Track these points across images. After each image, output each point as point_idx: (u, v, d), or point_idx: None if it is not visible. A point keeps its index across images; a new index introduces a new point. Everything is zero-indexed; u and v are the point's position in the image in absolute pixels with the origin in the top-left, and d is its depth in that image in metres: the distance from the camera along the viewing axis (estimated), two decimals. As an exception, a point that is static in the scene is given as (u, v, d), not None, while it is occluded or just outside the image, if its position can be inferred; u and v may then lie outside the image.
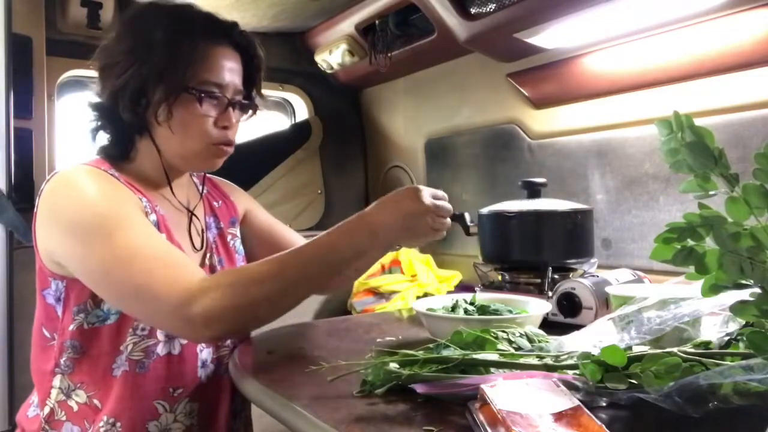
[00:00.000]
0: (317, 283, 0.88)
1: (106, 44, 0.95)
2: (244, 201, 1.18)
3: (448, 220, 0.94)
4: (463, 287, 1.80)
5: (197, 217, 1.05)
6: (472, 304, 1.00)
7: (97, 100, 0.96)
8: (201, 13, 0.97)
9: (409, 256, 1.88)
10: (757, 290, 0.59)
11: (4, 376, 1.47)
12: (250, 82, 1.01)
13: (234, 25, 0.98)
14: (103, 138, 0.98)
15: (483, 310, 0.97)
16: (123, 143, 0.97)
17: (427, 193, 0.91)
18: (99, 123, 0.97)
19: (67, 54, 1.72)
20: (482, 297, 1.04)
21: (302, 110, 2.28)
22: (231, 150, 0.99)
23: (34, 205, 0.90)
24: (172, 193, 1.01)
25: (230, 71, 0.95)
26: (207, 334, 0.80)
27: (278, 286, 0.82)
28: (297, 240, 1.20)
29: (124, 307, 0.86)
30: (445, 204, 0.93)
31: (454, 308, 0.99)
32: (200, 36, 0.93)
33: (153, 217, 0.92)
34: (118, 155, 0.97)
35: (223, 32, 0.96)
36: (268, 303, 0.82)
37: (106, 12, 1.69)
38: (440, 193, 0.94)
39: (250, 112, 1.02)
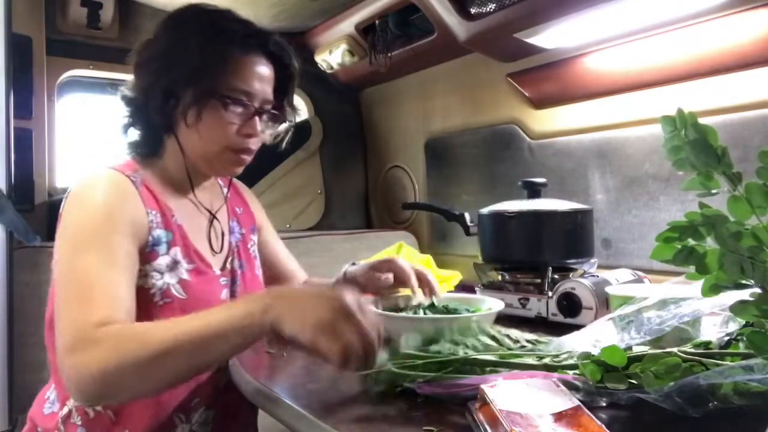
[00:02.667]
0: (201, 363, 0.76)
1: (144, 42, 0.96)
2: (259, 214, 1.19)
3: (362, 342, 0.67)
4: (463, 287, 1.80)
5: (218, 220, 1.05)
6: (432, 305, 0.99)
7: (130, 94, 0.97)
8: (238, 19, 0.97)
9: (409, 256, 1.88)
10: (758, 290, 0.59)
11: (4, 376, 1.47)
12: (282, 92, 1.01)
13: (270, 34, 0.98)
14: (134, 135, 0.99)
15: (444, 309, 0.96)
16: (153, 140, 0.98)
17: (350, 299, 0.70)
18: (131, 119, 0.98)
19: (67, 54, 1.72)
20: (442, 297, 1.02)
21: (302, 110, 2.28)
22: (249, 159, 0.99)
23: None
24: (194, 194, 1.02)
25: (260, 80, 0.95)
26: (76, 391, 0.72)
27: (154, 360, 0.71)
28: (295, 270, 1.22)
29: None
30: (366, 319, 0.69)
31: (416, 307, 0.98)
32: (236, 43, 0.93)
33: (159, 231, 0.91)
34: (147, 152, 0.98)
35: (259, 41, 0.96)
36: (146, 377, 0.72)
37: (106, 12, 1.70)
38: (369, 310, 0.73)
39: (279, 122, 1.03)
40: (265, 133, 1.01)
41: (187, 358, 0.73)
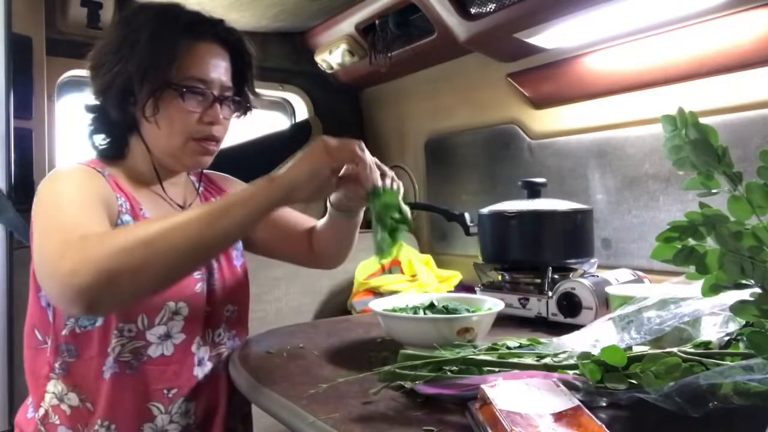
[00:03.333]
0: (213, 242, 0.77)
1: (97, 46, 0.96)
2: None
3: (354, 150, 0.84)
4: (463, 287, 1.80)
5: None
6: (432, 305, 0.99)
7: (92, 102, 0.97)
8: (186, 11, 0.97)
9: (409, 256, 1.88)
10: (758, 290, 0.59)
11: (4, 376, 1.47)
12: (242, 79, 1.01)
13: (219, 21, 0.98)
14: (100, 140, 0.99)
15: (444, 309, 0.96)
16: (117, 142, 0.98)
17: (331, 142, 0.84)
18: (94, 125, 0.98)
19: (67, 54, 1.71)
20: (440, 297, 1.03)
21: (302, 110, 2.28)
22: (216, 148, 0.99)
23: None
24: (163, 190, 1.01)
25: (215, 67, 0.95)
26: (73, 291, 0.69)
27: (171, 241, 0.72)
28: (302, 219, 1.19)
29: (38, 277, 0.83)
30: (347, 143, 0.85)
31: (415, 306, 0.98)
32: (184, 32, 0.93)
33: (128, 217, 0.91)
34: (113, 155, 0.98)
35: (208, 29, 0.96)
36: (153, 258, 0.72)
37: (106, 12, 1.69)
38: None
39: (242, 109, 1.02)
40: (229, 120, 1.00)
41: (187, 237, 0.73)
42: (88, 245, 0.71)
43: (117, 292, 0.72)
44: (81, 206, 0.83)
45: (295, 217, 1.19)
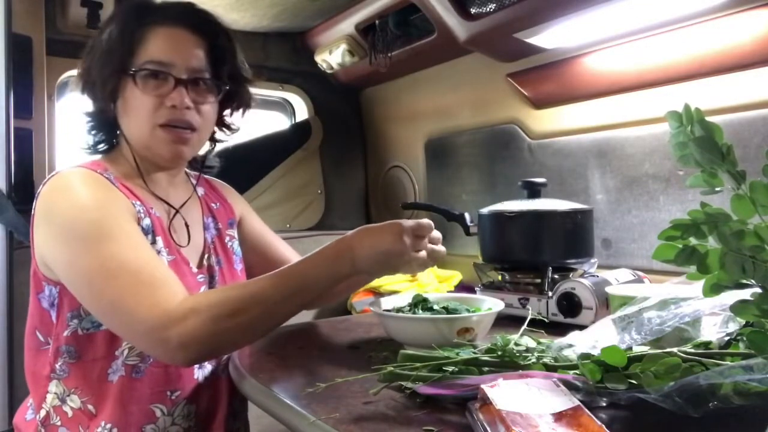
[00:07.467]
0: (295, 309, 0.87)
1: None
2: (240, 205, 1.18)
3: (424, 253, 0.90)
4: (463, 287, 1.80)
5: (182, 216, 1.04)
6: (431, 306, 0.98)
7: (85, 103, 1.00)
8: (155, 2, 0.99)
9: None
10: (758, 290, 0.59)
11: (4, 376, 1.47)
12: (221, 61, 0.98)
13: (186, 4, 0.98)
14: (93, 136, 1.01)
15: (444, 309, 0.95)
16: (108, 139, 1.00)
17: (409, 232, 0.88)
18: (90, 125, 1.00)
19: (67, 54, 1.71)
20: (440, 297, 1.03)
21: (302, 110, 2.28)
22: (191, 135, 0.96)
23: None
24: (145, 183, 0.99)
25: (178, 49, 0.93)
26: (181, 358, 0.80)
27: (257, 314, 0.81)
28: (287, 252, 1.21)
29: (102, 319, 0.86)
30: (424, 242, 0.91)
31: (414, 307, 0.98)
32: (145, 20, 0.94)
33: (147, 221, 0.92)
34: (105, 150, 1.00)
35: (171, 13, 0.95)
36: (246, 331, 0.82)
37: (106, 12, 1.69)
38: (425, 223, 0.91)
39: (218, 92, 0.99)
40: (206, 105, 0.97)
41: (270, 314, 0.84)
42: (189, 320, 0.78)
43: (218, 354, 0.93)
44: (126, 242, 0.84)
45: (276, 248, 1.20)
